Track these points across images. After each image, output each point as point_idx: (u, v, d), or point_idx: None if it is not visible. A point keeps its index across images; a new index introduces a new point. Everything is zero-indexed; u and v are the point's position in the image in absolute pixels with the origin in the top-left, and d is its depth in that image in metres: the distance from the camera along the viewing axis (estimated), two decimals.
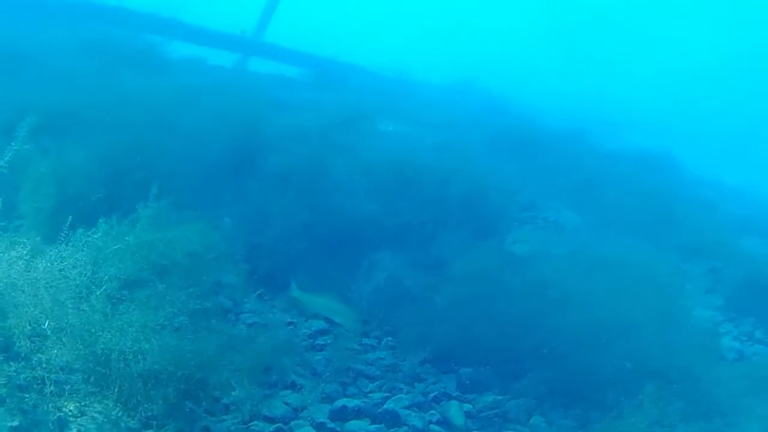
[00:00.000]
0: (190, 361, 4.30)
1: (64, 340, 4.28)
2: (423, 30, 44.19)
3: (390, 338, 6.72)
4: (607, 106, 22.36)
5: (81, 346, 4.30)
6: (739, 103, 31.45)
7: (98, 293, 4.85)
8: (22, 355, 4.23)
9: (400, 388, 5.97)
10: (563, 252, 8.87)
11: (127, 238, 5.13)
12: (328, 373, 5.81)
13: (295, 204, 7.60)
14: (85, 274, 4.93)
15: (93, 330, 4.42)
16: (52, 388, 4.17)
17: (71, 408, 4.15)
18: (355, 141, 10.03)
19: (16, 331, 4.25)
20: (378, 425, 5.44)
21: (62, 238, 5.09)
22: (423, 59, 27.21)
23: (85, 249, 5.09)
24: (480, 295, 6.75)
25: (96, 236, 5.17)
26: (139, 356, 4.26)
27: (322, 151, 8.83)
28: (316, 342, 6.31)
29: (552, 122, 17.01)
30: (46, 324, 4.33)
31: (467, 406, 6.02)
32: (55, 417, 4.01)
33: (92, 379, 4.28)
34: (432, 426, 5.62)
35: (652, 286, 7.51)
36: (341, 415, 5.43)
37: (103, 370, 4.30)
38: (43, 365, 4.22)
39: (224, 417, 4.88)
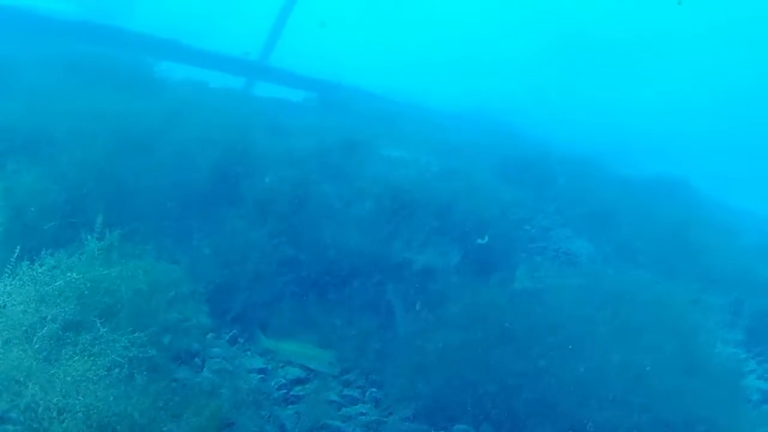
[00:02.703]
0: (117, 424, 3.65)
1: None
2: (434, 56, 43.88)
3: (375, 389, 5.98)
4: (622, 132, 21.80)
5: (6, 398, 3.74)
6: (761, 127, 30.74)
7: (40, 334, 4.30)
8: None
9: None
10: (574, 286, 8.18)
11: (69, 274, 4.51)
12: (297, 431, 5.10)
13: (278, 236, 6.94)
14: (28, 312, 4.40)
15: (21, 379, 3.85)
16: None
17: None
18: (356, 167, 9.46)
19: None
20: None
21: (8, 271, 4.59)
22: (433, 85, 26.83)
23: (30, 284, 4.57)
24: (479, 340, 6.03)
25: (40, 270, 4.62)
26: (64, 414, 3.64)
27: (316, 178, 8.22)
28: (290, 393, 5.58)
29: (564, 148, 16.40)
30: None
31: None
32: None
33: None
34: None
35: (669, 323, 6.94)
36: None
37: (36, 426, 3.71)
38: None
39: None
